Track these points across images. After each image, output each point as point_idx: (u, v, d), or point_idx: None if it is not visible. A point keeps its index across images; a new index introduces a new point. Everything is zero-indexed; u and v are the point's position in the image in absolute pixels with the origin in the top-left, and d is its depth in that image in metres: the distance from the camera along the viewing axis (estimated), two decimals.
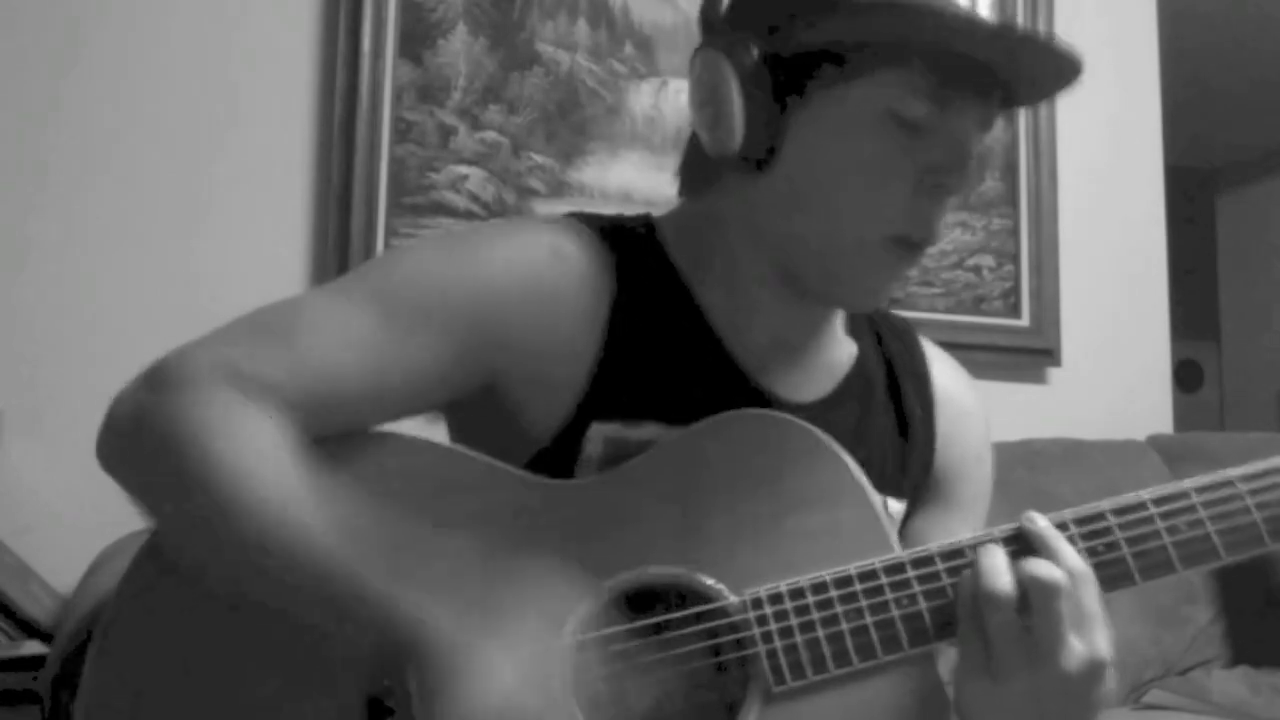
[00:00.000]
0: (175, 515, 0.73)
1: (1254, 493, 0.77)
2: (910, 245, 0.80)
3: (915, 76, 0.76)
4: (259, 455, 0.71)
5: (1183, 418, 2.51)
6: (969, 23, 0.75)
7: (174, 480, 0.71)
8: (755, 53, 0.78)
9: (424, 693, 0.67)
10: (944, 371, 0.98)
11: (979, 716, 0.74)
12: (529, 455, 0.82)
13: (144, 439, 0.73)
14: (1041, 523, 0.74)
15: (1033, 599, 0.70)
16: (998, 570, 0.71)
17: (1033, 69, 0.78)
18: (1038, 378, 2.25)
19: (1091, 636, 0.70)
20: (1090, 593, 0.71)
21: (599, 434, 0.81)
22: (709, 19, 0.83)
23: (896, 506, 0.90)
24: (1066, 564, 0.71)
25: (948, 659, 0.76)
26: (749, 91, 0.78)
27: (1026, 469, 1.88)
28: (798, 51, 0.78)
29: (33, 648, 1.34)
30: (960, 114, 0.78)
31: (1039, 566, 0.70)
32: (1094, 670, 0.70)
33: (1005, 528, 0.76)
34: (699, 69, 0.82)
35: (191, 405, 0.72)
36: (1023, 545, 0.74)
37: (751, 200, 0.83)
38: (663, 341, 0.84)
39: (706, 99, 0.81)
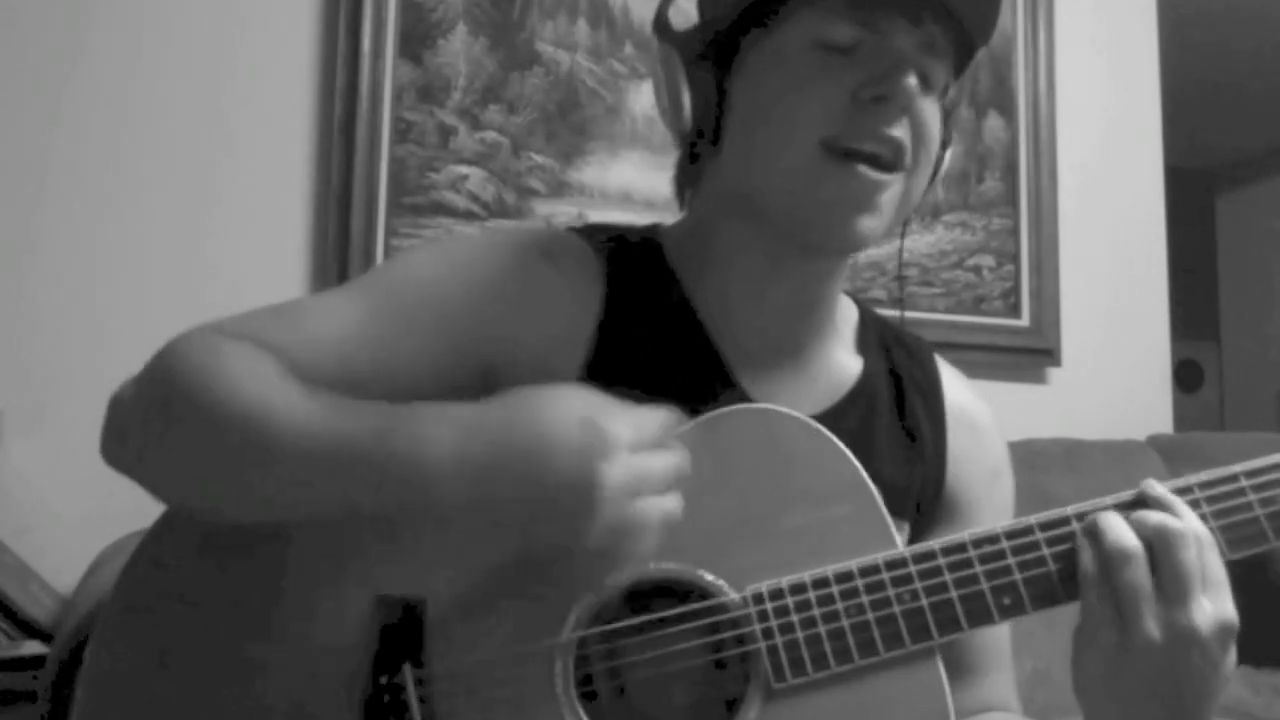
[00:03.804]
0: (183, 449, 0.74)
1: (1257, 488, 0.76)
2: (848, 151, 0.79)
3: (837, 5, 0.80)
4: (253, 373, 0.73)
5: (1183, 418, 2.51)
6: None
7: (172, 412, 0.73)
8: (696, 37, 0.84)
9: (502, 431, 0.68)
10: (956, 390, 0.97)
11: (1107, 684, 0.73)
12: None
13: (144, 393, 0.75)
14: (1160, 488, 0.76)
15: (1158, 549, 0.72)
16: (1122, 526, 0.73)
17: None
18: (1038, 378, 2.25)
19: (1220, 598, 0.72)
20: (1214, 557, 0.73)
21: None
22: (661, 23, 0.87)
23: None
24: (1190, 524, 0.73)
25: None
26: (693, 72, 0.84)
27: (1026, 469, 1.86)
28: (728, 23, 0.83)
29: (33, 648, 1.34)
30: (890, 34, 0.80)
31: (1166, 518, 0.73)
32: (1225, 632, 0.72)
33: (1113, 497, 0.77)
34: (655, 66, 0.86)
35: (186, 348, 0.75)
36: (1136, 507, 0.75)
37: (723, 173, 0.86)
38: (655, 348, 0.85)
39: (661, 90, 0.86)
